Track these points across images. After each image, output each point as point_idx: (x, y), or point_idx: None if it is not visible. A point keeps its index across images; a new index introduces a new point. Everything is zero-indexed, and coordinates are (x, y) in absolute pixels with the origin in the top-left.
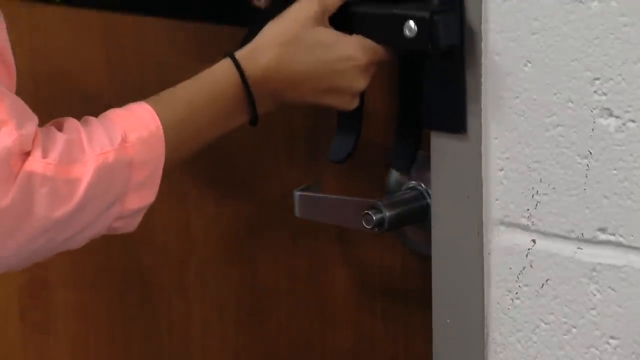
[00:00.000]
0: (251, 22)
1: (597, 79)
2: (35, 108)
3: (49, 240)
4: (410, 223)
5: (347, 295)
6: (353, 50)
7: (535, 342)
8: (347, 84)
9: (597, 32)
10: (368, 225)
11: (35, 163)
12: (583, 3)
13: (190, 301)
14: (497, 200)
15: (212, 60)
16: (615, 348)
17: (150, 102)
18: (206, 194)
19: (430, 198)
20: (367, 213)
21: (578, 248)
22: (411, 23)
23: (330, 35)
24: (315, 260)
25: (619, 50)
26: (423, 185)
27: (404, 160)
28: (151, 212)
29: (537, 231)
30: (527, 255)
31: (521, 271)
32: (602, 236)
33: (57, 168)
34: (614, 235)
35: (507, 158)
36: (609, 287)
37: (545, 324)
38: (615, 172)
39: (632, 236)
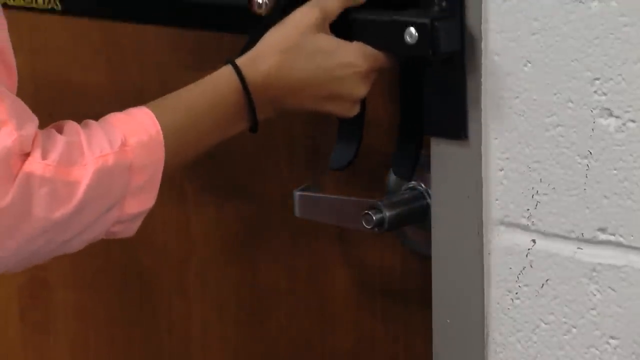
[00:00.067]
0: (252, 30)
1: (597, 79)
2: (35, 109)
3: (47, 241)
4: (410, 223)
5: (347, 295)
6: (354, 57)
7: (535, 342)
8: (348, 91)
9: (597, 32)
10: (368, 225)
11: (35, 164)
12: (583, 3)
13: (190, 301)
14: (497, 200)
15: (213, 62)
16: (615, 348)
17: (151, 106)
18: (206, 193)
19: (430, 198)
20: (367, 213)
21: (578, 248)
22: (412, 29)
23: (331, 42)
24: (315, 260)
25: (619, 50)
26: (423, 185)
27: (405, 167)
28: (151, 213)
29: (537, 231)
30: (527, 255)
31: (521, 271)
32: (602, 236)
33: (56, 169)
34: (614, 235)
35: (507, 158)
36: (609, 287)
37: (545, 324)
38: (615, 172)
39: (632, 236)
